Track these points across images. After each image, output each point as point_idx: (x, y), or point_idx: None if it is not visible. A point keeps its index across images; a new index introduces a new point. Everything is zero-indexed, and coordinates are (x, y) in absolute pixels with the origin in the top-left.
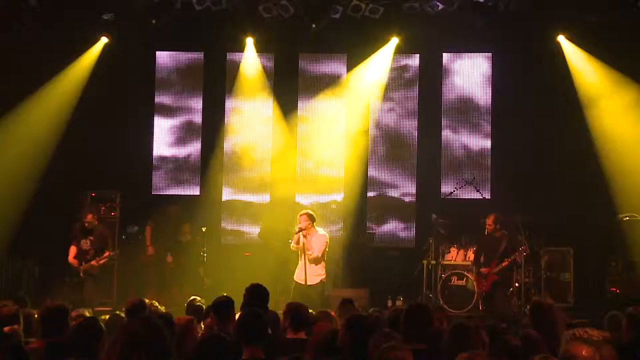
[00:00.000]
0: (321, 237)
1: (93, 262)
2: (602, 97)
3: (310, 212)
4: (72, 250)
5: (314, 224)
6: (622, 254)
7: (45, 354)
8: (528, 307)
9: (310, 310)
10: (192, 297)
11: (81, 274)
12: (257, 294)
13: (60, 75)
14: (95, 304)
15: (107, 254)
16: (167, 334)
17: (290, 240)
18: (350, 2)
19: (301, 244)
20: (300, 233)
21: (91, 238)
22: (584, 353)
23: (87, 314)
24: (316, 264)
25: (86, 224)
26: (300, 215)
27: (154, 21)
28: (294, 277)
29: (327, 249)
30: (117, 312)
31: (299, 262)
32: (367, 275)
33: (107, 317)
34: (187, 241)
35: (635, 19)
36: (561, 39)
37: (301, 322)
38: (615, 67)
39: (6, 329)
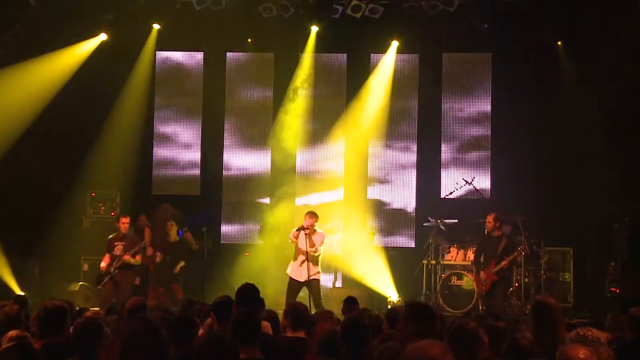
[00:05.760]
0: (321, 235)
1: (125, 257)
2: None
3: (314, 211)
4: (105, 258)
5: (317, 223)
6: (622, 254)
7: (44, 354)
8: (529, 306)
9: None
10: (187, 297)
11: (113, 270)
12: (247, 294)
13: (49, 60)
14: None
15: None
16: (164, 334)
17: (291, 234)
18: (350, 2)
19: (305, 242)
20: (302, 231)
21: (122, 243)
22: (581, 355)
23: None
24: (314, 263)
25: (122, 226)
26: (306, 214)
27: (154, 24)
28: (289, 273)
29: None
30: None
31: (295, 261)
32: (367, 275)
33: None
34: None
35: (633, 22)
36: (559, 44)
37: (301, 321)
38: (608, 75)
39: (12, 333)
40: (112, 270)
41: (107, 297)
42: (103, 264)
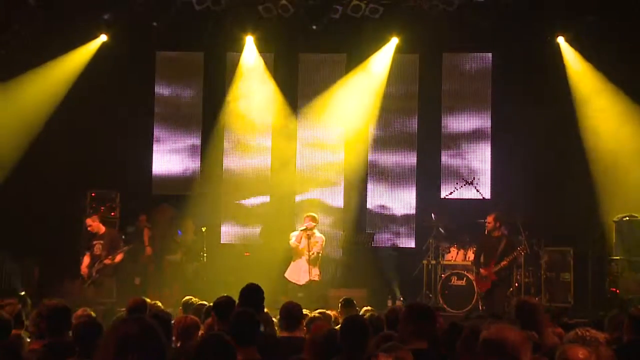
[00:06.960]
0: (319, 238)
1: (106, 261)
2: (595, 102)
3: (315, 214)
4: (85, 259)
5: (316, 226)
6: (622, 254)
7: (45, 354)
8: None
9: (306, 311)
10: (188, 297)
11: (95, 274)
12: (251, 294)
13: (54, 66)
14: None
15: (120, 252)
16: (161, 333)
17: (292, 237)
18: (350, 2)
19: (304, 244)
20: (305, 233)
21: (101, 242)
22: (580, 355)
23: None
24: (313, 265)
25: (89, 228)
26: (306, 217)
27: (154, 23)
28: (287, 277)
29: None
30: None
31: (294, 262)
32: (367, 275)
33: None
34: (192, 240)
35: (634, 19)
36: (560, 40)
37: (293, 321)
38: (612, 70)
39: (13, 331)
40: (94, 273)
41: (92, 298)
42: (84, 268)
